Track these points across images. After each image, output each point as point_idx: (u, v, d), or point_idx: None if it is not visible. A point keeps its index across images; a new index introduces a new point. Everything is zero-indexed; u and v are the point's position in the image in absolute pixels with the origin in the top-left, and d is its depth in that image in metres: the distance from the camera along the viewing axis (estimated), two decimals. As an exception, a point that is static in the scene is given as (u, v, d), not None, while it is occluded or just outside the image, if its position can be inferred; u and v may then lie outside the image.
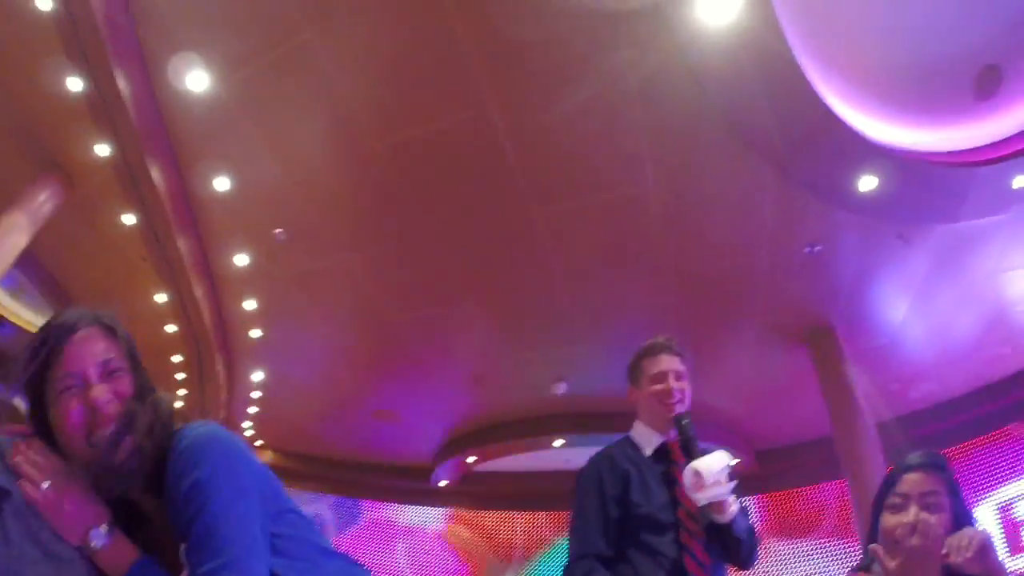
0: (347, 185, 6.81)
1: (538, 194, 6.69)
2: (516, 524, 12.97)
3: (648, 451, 2.52)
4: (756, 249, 7.33)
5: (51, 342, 1.33)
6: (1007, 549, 9.68)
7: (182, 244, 7.34)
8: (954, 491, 1.79)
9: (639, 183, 6.55)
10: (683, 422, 2.43)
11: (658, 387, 2.53)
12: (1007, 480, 10.21)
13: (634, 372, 2.68)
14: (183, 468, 1.26)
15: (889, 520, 1.78)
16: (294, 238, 7.38)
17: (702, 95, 5.67)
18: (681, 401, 2.51)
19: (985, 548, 1.64)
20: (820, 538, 11.42)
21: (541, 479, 12.14)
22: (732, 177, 6.48)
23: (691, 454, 2.34)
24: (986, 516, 10.05)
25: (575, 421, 10.54)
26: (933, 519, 1.72)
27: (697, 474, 2.19)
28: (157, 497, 1.32)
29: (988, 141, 6.59)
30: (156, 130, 6.31)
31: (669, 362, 2.59)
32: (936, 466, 1.81)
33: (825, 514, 11.52)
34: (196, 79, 5.79)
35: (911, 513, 1.73)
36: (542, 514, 12.31)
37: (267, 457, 12.63)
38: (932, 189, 6.51)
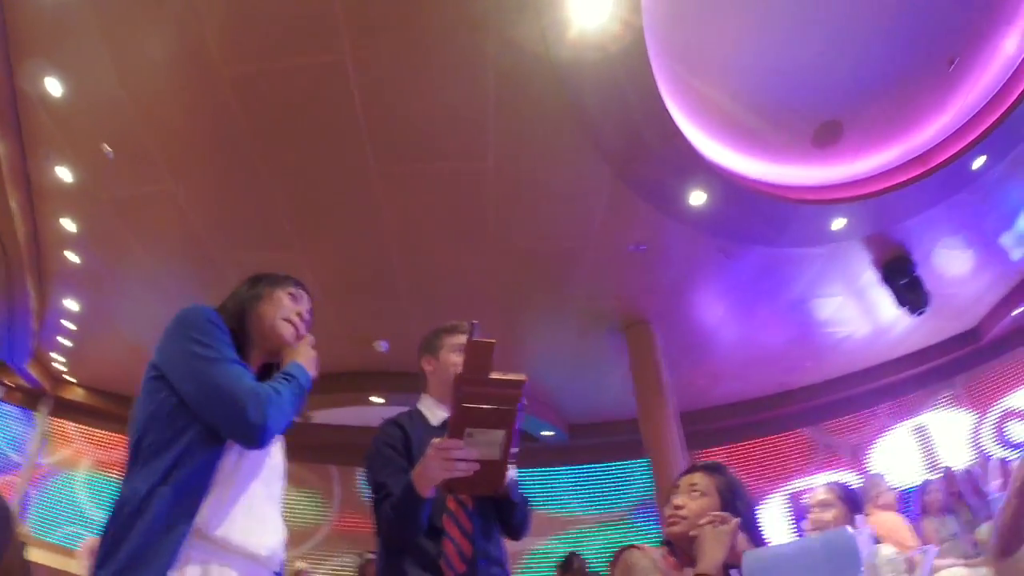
0: (186, 110, 6.03)
1: (380, 153, 6.28)
2: (331, 475, 12.74)
3: (434, 422, 2.52)
4: (584, 239, 7.30)
5: None
6: (797, 534, 10.44)
7: (1, 147, 6.39)
8: (729, 490, 2.22)
9: (479, 159, 6.30)
10: None
11: (459, 358, 2.33)
12: (797, 475, 11.28)
13: (432, 343, 2.67)
14: None
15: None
16: (122, 158, 6.53)
17: (557, 87, 5.52)
18: None
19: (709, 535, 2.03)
20: (624, 510, 11.97)
21: (357, 434, 11.87)
22: (571, 170, 6.39)
23: None
24: (779, 504, 11.15)
25: (394, 380, 10.34)
26: (692, 504, 2.17)
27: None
28: None
29: (817, 183, 6.88)
30: (-9, 14, 5.35)
31: None
32: (710, 469, 2.30)
33: (630, 488, 12.07)
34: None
35: (679, 498, 2.22)
36: (357, 468, 12.09)
37: (78, 395, 11.53)
38: (757, 215, 6.69)
